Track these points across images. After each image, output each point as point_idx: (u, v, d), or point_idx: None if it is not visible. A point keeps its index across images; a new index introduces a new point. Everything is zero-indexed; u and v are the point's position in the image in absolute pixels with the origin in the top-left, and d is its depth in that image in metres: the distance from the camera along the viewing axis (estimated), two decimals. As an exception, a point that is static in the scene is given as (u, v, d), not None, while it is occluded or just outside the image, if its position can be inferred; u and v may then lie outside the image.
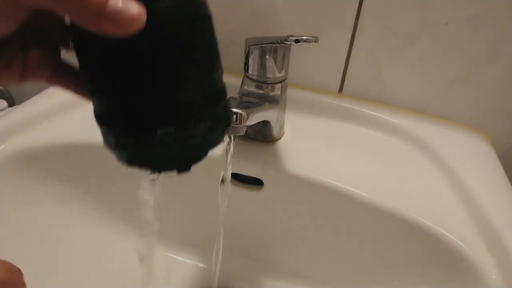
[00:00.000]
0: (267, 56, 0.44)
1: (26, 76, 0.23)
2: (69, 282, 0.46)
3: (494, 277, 0.36)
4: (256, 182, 0.49)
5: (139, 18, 0.17)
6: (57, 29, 0.22)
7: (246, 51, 0.44)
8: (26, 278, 0.22)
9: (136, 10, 0.17)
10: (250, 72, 0.45)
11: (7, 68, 0.22)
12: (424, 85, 0.57)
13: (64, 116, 0.51)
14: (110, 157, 0.39)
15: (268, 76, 0.45)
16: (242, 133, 0.38)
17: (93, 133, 0.49)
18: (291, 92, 0.50)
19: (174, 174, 0.26)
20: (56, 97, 0.54)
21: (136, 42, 0.18)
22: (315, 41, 0.40)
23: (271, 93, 0.46)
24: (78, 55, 0.20)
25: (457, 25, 0.53)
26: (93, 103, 0.21)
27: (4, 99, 0.73)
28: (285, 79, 0.47)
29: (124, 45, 0.18)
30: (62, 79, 0.23)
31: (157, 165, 0.22)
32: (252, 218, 0.51)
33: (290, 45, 0.43)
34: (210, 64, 0.22)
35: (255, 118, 0.40)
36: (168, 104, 0.19)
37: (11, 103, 0.75)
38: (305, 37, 0.40)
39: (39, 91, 0.56)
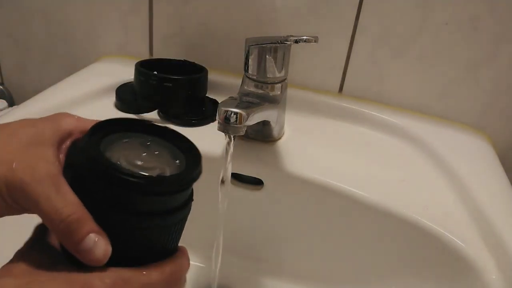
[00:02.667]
0: (267, 56, 0.43)
1: None
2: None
3: (494, 277, 0.36)
4: (256, 182, 0.49)
5: (103, 259, 0.21)
6: None
7: (246, 51, 0.44)
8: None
9: (100, 252, 0.21)
10: (250, 72, 0.45)
11: None
12: (424, 85, 0.57)
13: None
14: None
15: (268, 76, 0.45)
16: (242, 133, 0.37)
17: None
18: (291, 92, 0.50)
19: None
20: (56, 97, 0.54)
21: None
22: (315, 41, 0.40)
23: (271, 93, 0.46)
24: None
25: (457, 25, 0.53)
26: None
27: (4, 99, 0.73)
28: (285, 79, 0.47)
29: None
30: None
31: None
32: (252, 218, 0.51)
33: (290, 45, 0.43)
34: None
35: (255, 118, 0.40)
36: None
37: (11, 103, 0.75)
38: (305, 37, 0.40)
39: (39, 91, 0.56)
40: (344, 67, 0.58)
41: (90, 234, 0.21)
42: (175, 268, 0.24)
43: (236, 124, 0.37)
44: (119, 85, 0.59)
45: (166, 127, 0.27)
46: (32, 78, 0.74)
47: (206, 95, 0.58)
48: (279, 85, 0.46)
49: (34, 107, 0.51)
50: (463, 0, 0.51)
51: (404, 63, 0.56)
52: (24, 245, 0.24)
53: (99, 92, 0.57)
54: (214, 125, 0.51)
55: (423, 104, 0.58)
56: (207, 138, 0.50)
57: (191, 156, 0.26)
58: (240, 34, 0.59)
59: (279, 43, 0.42)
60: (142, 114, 0.55)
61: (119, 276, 0.22)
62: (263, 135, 0.50)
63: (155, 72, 0.54)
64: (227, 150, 0.39)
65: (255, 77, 0.45)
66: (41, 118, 0.25)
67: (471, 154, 0.53)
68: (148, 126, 0.26)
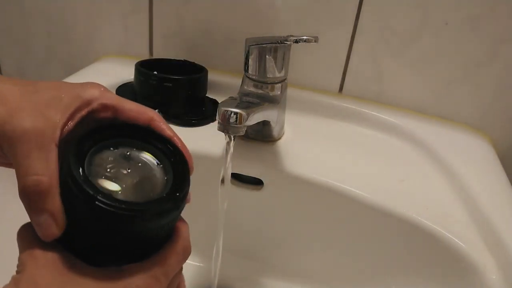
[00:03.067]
0: (267, 56, 0.43)
1: None
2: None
3: (494, 277, 0.36)
4: (256, 182, 0.49)
5: (48, 239, 0.21)
6: None
7: (246, 51, 0.44)
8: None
9: (48, 234, 0.21)
10: (250, 72, 0.45)
11: None
12: (424, 85, 0.57)
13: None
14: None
15: (268, 76, 0.45)
16: (242, 133, 0.37)
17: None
18: (291, 92, 0.50)
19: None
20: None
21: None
22: (315, 41, 0.40)
23: (271, 93, 0.46)
24: None
25: (457, 25, 0.53)
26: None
27: (4, 99, 0.73)
28: (285, 79, 0.47)
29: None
30: None
31: None
32: (252, 218, 0.51)
33: (290, 45, 0.43)
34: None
35: (255, 118, 0.40)
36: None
37: (11, 103, 0.75)
38: (305, 37, 0.40)
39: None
40: (344, 67, 0.58)
41: (46, 213, 0.21)
42: (181, 244, 0.24)
43: (236, 124, 0.37)
44: (119, 85, 0.59)
45: (151, 130, 0.26)
46: (32, 78, 0.74)
47: (206, 95, 0.58)
48: (279, 85, 0.46)
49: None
50: (463, 0, 0.51)
51: (404, 63, 0.56)
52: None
53: (99, 92, 0.57)
54: (214, 125, 0.51)
55: (423, 104, 0.58)
56: (207, 138, 0.50)
57: (178, 167, 0.25)
58: (240, 34, 0.59)
59: (279, 43, 0.42)
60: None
61: (149, 276, 0.22)
62: (263, 135, 0.50)
63: (155, 72, 0.54)
64: (227, 150, 0.39)
65: (255, 77, 0.45)
66: (69, 84, 0.25)
67: (471, 154, 0.53)
68: (135, 130, 0.25)
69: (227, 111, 0.37)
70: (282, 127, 0.52)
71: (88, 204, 0.20)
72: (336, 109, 0.58)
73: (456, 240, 0.39)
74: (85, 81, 0.26)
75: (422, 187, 0.47)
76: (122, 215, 0.20)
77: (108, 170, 0.23)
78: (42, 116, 0.22)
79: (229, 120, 0.37)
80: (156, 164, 0.25)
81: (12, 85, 0.23)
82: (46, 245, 0.22)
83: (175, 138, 0.27)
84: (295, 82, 0.59)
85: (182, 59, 0.60)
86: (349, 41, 0.57)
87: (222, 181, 0.41)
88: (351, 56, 0.58)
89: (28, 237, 0.22)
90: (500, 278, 0.36)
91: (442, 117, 0.58)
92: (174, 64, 0.59)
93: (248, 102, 0.41)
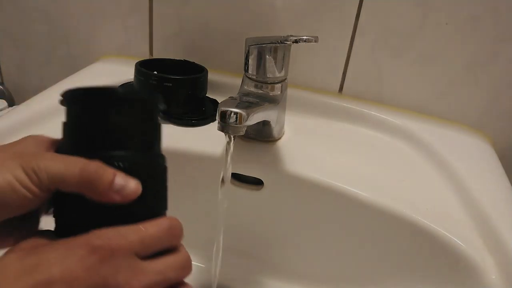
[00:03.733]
0: (267, 56, 0.43)
1: None
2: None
3: (494, 277, 0.36)
4: (256, 182, 0.49)
5: (137, 191, 0.23)
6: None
7: (246, 51, 0.44)
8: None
9: (134, 185, 0.23)
10: (250, 72, 0.45)
11: None
12: (424, 85, 0.57)
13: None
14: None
15: (268, 76, 0.45)
16: (242, 133, 0.37)
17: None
18: (291, 92, 0.50)
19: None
20: (56, 97, 0.54)
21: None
22: (315, 41, 0.40)
23: (271, 93, 0.46)
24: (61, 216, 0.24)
25: (457, 25, 0.53)
26: None
27: (4, 99, 0.73)
28: (285, 79, 0.47)
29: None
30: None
31: None
32: (252, 218, 0.51)
33: (290, 45, 0.43)
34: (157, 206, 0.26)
35: (255, 118, 0.40)
36: None
37: (11, 103, 0.75)
38: (305, 37, 0.40)
39: (39, 91, 0.56)
40: (344, 67, 0.58)
41: (117, 176, 0.23)
42: (171, 223, 0.25)
43: (236, 124, 0.37)
44: (119, 85, 0.59)
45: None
46: (32, 78, 0.74)
47: (206, 95, 0.58)
48: (279, 85, 0.46)
49: (34, 107, 0.51)
50: (463, 0, 0.51)
51: (404, 63, 0.56)
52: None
53: (99, 92, 0.57)
54: (214, 125, 0.51)
55: (423, 104, 0.58)
56: (207, 138, 0.50)
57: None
58: (240, 34, 0.59)
59: (279, 43, 0.42)
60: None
61: (116, 231, 0.22)
62: (263, 135, 0.50)
63: (155, 72, 0.54)
64: (227, 150, 0.39)
65: (255, 77, 0.45)
66: (15, 141, 0.27)
67: (471, 154, 0.53)
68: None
69: (227, 111, 0.37)
70: (282, 127, 0.52)
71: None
72: (336, 109, 0.58)
73: (456, 240, 0.39)
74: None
75: (422, 187, 0.47)
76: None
77: None
78: (37, 149, 0.26)
79: (229, 120, 0.37)
80: None
81: None
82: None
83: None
84: (295, 82, 0.60)
85: (182, 59, 0.60)
86: (349, 41, 0.57)
87: (222, 181, 0.41)
88: (351, 56, 0.58)
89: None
90: (500, 278, 0.36)
91: (442, 117, 0.58)
92: (174, 64, 0.59)
93: (248, 102, 0.41)
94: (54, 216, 0.24)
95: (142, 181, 0.24)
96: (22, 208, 0.23)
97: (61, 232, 0.24)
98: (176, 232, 0.25)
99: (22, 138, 0.27)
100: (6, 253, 0.21)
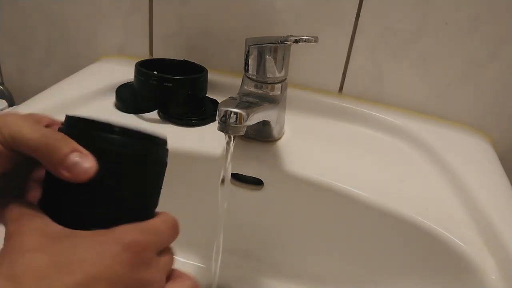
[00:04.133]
0: (267, 56, 0.43)
1: None
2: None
3: (494, 277, 0.36)
4: (256, 182, 0.49)
5: (89, 171, 0.22)
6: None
7: (246, 51, 0.44)
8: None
9: (87, 165, 0.22)
10: (250, 72, 0.45)
11: None
12: (424, 85, 0.57)
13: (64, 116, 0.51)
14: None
15: (268, 76, 0.45)
16: (242, 133, 0.37)
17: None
18: (291, 92, 0.50)
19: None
20: (56, 97, 0.54)
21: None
22: (315, 41, 0.40)
23: (271, 93, 0.46)
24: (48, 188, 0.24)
25: (457, 25, 0.53)
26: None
27: (4, 99, 0.73)
28: (285, 79, 0.47)
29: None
30: None
31: None
32: (252, 218, 0.51)
33: (290, 45, 0.43)
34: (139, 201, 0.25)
35: (255, 118, 0.40)
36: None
37: (11, 103, 0.75)
38: (305, 37, 0.40)
39: (39, 91, 0.56)
40: (344, 67, 0.58)
41: (75, 152, 0.22)
42: (174, 220, 0.25)
43: (236, 124, 0.37)
44: (119, 85, 0.59)
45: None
46: (32, 78, 0.74)
47: (206, 95, 0.58)
48: (279, 85, 0.46)
49: (34, 107, 0.51)
50: (463, 0, 0.51)
51: (404, 63, 0.56)
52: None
53: (99, 92, 0.57)
54: (214, 125, 0.51)
55: (423, 104, 0.58)
56: (207, 138, 0.50)
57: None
58: (240, 34, 0.59)
59: (279, 43, 0.42)
60: (142, 114, 0.55)
61: (139, 228, 0.23)
62: (263, 135, 0.50)
63: (155, 72, 0.54)
64: (227, 150, 0.39)
65: (255, 77, 0.45)
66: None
67: (471, 154, 0.53)
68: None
69: (227, 111, 0.37)
70: (282, 127, 0.52)
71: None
72: (336, 109, 0.58)
73: (456, 240, 0.39)
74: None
75: (422, 187, 0.47)
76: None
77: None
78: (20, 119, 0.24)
79: (229, 120, 0.37)
80: None
81: None
82: (33, 215, 0.22)
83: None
84: (295, 82, 0.60)
85: (182, 59, 0.60)
86: (349, 41, 0.57)
87: (222, 181, 0.41)
88: (351, 56, 0.58)
89: (15, 212, 0.23)
90: (500, 278, 0.36)
91: (442, 117, 0.58)
92: (174, 64, 0.59)
93: (248, 102, 0.41)
94: (41, 185, 0.25)
95: (137, 170, 0.24)
96: None
97: (46, 205, 0.23)
98: (177, 229, 0.25)
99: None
100: (28, 249, 0.21)
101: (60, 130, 0.24)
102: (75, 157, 0.22)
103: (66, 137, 0.23)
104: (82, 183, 0.22)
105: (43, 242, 0.21)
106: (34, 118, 0.25)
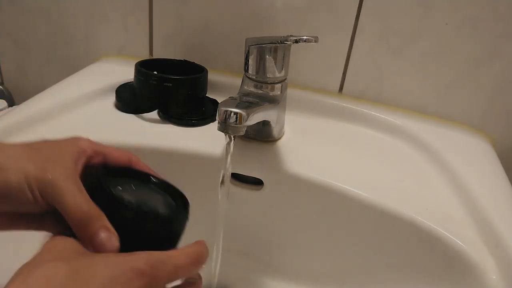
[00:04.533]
0: (267, 56, 0.43)
1: None
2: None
3: (494, 277, 0.36)
4: (256, 182, 0.49)
5: (113, 249, 0.25)
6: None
7: (246, 51, 0.44)
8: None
9: (111, 245, 0.25)
10: (250, 72, 0.45)
11: None
12: (424, 85, 0.57)
13: (64, 116, 0.51)
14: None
15: (268, 76, 0.45)
16: (242, 133, 0.37)
17: (93, 133, 0.49)
18: (291, 92, 0.50)
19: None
20: (56, 97, 0.54)
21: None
22: (315, 41, 0.40)
23: (271, 93, 0.46)
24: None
25: (457, 25, 0.53)
26: None
27: (4, 99, 0.73)
28: (285, 79, 0.47)
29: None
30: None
31: None
32: (252, 218, 0.51)
33: (290, 45, 0.43)
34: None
35: (255, 118, 0.40)
36: None
37: (11, 103, 0.75)
38: (305, 37, 0.40)
39: (39, 91, 0.56)
40: (344, 67, 0.58)
41: (103, 229, 0.25)
42: (196, 251, 0.27)
43: (236, 124, 0.37)
44: (119, 85, 0.59)
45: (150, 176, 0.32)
46: (32, 78, 0.74)
47: (206, 95, 0.58)
48: (279, 85, 0.46)
49: (34, 107, 0.51)
50: (463, 0, 0.51)
51: (404, 63, 0.56)
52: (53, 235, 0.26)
53: (99, 92, 0.57)
54: (214, 125, 0.51)
55: (423, 104, 0.58)
56: (207, 138, 0.50)
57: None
58: (240, 34, 0.59)
59: (279, 43, 0.42)
60: (142, 114, 0.55)
61: (159, 258, 0.24)
62: (263, 135, 0.50)
63: (155, 72, 0.54)
64: (227, 150, 0.39)
65: (255, 77, 0.45)
66: (60, 140, 0.30)
67: (471, 154, 0.53)
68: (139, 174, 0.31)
69: (227, 111, 0.36)
70: (282, 127, 0.52)
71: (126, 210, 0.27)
72: (336, 109, 0.58)
73: (456, 240, 0.39)
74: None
75: (422, 187, 0.47)
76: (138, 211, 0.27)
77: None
78: (64, 166, 0.27)
79: (229, 120, 0.37)
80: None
81: (21, 148, 0.27)
82: (62, 237, 0.25)
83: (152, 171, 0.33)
84: (295, 82, 0.60)
85: (182, 59, 0.60)
86: (349, 41, 0.57)
87: (222, 181, 0.41)
88: (351, 56, 0.58)
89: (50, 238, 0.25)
90: (500, 278, 0.36)
91: (442, 117, 0.58)
92: (174, 64, 0.59)
93: (248, 102, 0.41)
94: None
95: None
96: (26, 207, 0.25)
97: None
98: (201, 261, 0.27)
99: (65, 139, 0.30)
100: (47, 259, 0.22)
101: (95, 183, 0.27)
102: (102, 237, 0.25)
103: (98, 215, 0.25)
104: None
105: (63, 256, 0.23)
106: (78, 151, 0.29)
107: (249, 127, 0.39)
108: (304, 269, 0.51)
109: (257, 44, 0.43)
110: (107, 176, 0.28)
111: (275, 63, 0.44)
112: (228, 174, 0.40)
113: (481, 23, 0.52)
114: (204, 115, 0.54)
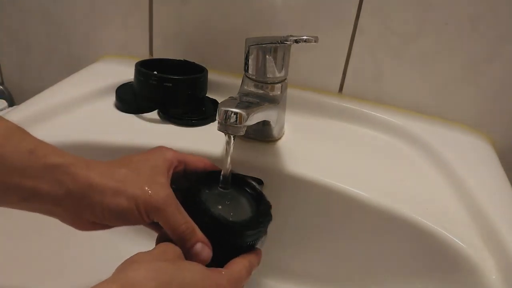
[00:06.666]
0: (267, 56, 0.43)
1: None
2: (69, 281, 0.46)
3: (494, 277, 0.36)
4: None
5: (206, 259, 0.32)
6: None
7: (246, 51, 0.44)
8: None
9: (205, 255, 0.32)
10: (250, 72, 0.45)
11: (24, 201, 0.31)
12: (424, 85, 0.57)
13: (64, 116, 0.51)
14: (110, 155, 0.39)
15: (268, 76, 0.45)
16: (242, 133, 0.37)
17: (93, 133, 0.49)
18: (291, 92, 0.50)
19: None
20: (56, 97, 0.54)
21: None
22: (315, 41, 0.40)
23: (271, 93, 0.46)
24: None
25: (457, 25, 0.53)
26: None
27: (4, 99, 0.73)
28: (285, 79, 0.47)
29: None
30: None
31: None
32: (252, 218, 0.51)
33: (290, 45, 0.43)
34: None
35: (255, 118, 0.40)
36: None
37: (11, 103, 0.75)
38: (305, 37, 0.40)
39: (39, 91, 0.56)
40: (344, 67, 0.58)
41: (199, 243, 0.31)
42: (252, 264, 0.34)
43: (236, 124, 0.37)
44: (119, 85, 0.59)
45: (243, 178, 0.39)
46: (32, 78, 0.74)
47: (206, 95, 0.58)
48: (279, 85, 0.46)
49: (34, 107, 0.51)
50: (463, 0, 0.51)
51: (404, 63, 0.56)
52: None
53: (99, 92, 0.57)
54: (214, 125, 0.51)
55: (423, 104, 0.58)
56: (207, 138, 0.50)
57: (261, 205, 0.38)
58: (240, 34, 0.59)
59: (279, 43, 0.42)
60: (142, 114, 0.55)
61: (236, 278, 0.31)
62: (263, 135, 0.50)
63: (155, 72, 0.54)
64: (227, 150, 0.39)
65: (255, 77, 0.45)
66: (149, 152, 0.36)
67: (471, 154, 0.53)
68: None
69: (227, 111, 0.36)
70: (282, 127, 0.52)
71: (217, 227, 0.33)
72: (336, 109, 0.58)
73: (456, 240, 0.39)
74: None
75: (422, 187, 0.47)
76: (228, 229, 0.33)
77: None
78: (160, 185, 0.32)
79: (229, 120, 0.37)
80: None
81: (125, 171, 0.33)
82: (158, 246, 0.31)
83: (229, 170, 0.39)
84: (295, 82, 0.59)
85: (182, 59, 0.60)
86: (349, 41, 0.57)
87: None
88: (351, 56, 0.58)
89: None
90: (500, 278, 0.36)
91: (442, 117, 0.58)
92: (174, 64, 0.59)
93: (248, 102, 0.41)
94: None
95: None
96: (134, 223, 0.32)
97: None
98: (251, 272, 0.34)
99: (154, 153, 0.36)
100: (156, 258, 0.28)
101: (187, 194, 0.35)
102: (197, 249, 0.31)
103: (193, 229, 0.32)
104: None
105: (170, 258, 0.29)
106: (167, 165, 0.34)
107: (249, 127, 0.39)
108: (304, 269, 0.51)
109: (257, 44, 0.43)
110: (196, 186, 0.35)
111: (275, 63, 0.44)
112: (228, 174, 0.40)
113: (481, 23, 0.52)
114: (204, 115, 0.54)
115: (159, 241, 0.33)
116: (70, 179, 0.30)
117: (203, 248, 0.32)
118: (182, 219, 0.31)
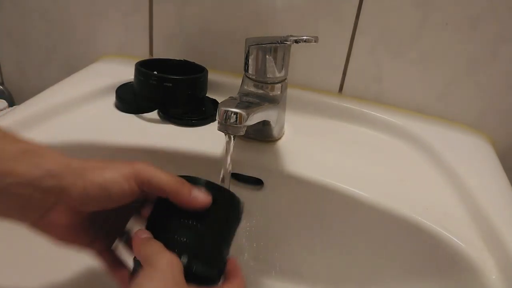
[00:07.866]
0: (267, 56, 0.43)
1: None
2: (66, 282, 0.46)
3: (494, 277, 0.36)
4: (256, 182, 0.49)
5: (206, 201, 0.32)
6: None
7: (246, 51, 0.44)
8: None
9: (204, 197, 0.32)
10: (250, 72, 0.45)
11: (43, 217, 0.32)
12: (424, 85, 0.57)
13: (64, 116, 0.51)
14: (110, 155, 0.39)
15: (268, 76, 0.45)
16: (242, 133, 0.37)
17: (93, 133, 0.49)
18: (291, 92, 0.50)
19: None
20: (56, 97, 0.54)
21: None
22: (315, 41, 0.40)
23: (271, 93, 0.46)
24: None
25: (457, 25, 0.53)
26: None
27: (4, 99, 0.73)
28: (285, 79, 0.47)
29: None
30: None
31: None
32: (252, 218, 0.51)
33: (290, 45, 0.43)
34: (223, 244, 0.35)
35: (255, 118, 0.40)
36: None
37: (11, 103, 0.75)
38: (305, 37, 0.40)
39: (39, 91, 0.56)
40: (344, 67, 0.58)
41: (193, 188, 0.32)
42: (244, 283, 0.35)
43: (236, 124, 0.37)
44: (119, 85, 0.59)
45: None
46: (32, 78, 0.74)
47: (206, 95, 0.58)
48: (279, 85, 0.46)
49: (34, 107, 0.51)
50: (463, 0, 0.51)
51: (404, 63, 0.56)
52: None
53: (99, 92, 0.57)
54: (214, 125, 0.51)
55: (423, 104, 0.58)
56: (207, 138, 0.50)
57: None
58: (240, 34, 0.59)
59: (279, 43, 0.42)
60: (142, 114, 0.55)
61: None
62: (263, 135, 0.50)
63: (155, 72, 0.54)
64: (227, 150, 0.39)
65: (255, 77, 0.45)
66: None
67: (471, 154, 0.53)
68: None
69: (227, 111, 0.37)
70: (282, 127, 0.52)
71: None
72: (336, 109, 0.58)
73: (456, 240, 0.39)
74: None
75: (422, 187, 0.47)
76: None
77: None
78: (144, 163, 0.33)
79: (229, 120, 0.37)
80: None
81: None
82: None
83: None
84: (295, 82, 0.60)
85: (182, 59, 0.60)
86: (349, 41, 0.57)
87: (222, 181, 0.41)
88: (351, 56, 0.58)
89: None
90: (500, 278, 0.36)
91: (442, 117, 0.58)
92: (174, 64, 0.59)
93: (248, 102, 0.41)
94: (149, 218, 0.33)
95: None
96: (120, 200, 0.31)
97: (153, 229, 0.32)
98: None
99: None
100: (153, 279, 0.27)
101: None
102: (195, 192, 0.32)
103: (186, 182, 0.32)
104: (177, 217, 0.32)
105: (176, 279, 0.28)
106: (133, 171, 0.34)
107: (249, 127, 0.39)
108: (304, 268, 0.51)
109: (257, 44, 0.43)
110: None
111: (275, 63, 0.44)
112: (228, 174, 0.40)
113: (481, 23, 0.52)
114: (204, 115, 0.54)
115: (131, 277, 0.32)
116: (48, 161, 0.29)
117: (200, 191, 0.32)
118: (171, 175, 0.32)
